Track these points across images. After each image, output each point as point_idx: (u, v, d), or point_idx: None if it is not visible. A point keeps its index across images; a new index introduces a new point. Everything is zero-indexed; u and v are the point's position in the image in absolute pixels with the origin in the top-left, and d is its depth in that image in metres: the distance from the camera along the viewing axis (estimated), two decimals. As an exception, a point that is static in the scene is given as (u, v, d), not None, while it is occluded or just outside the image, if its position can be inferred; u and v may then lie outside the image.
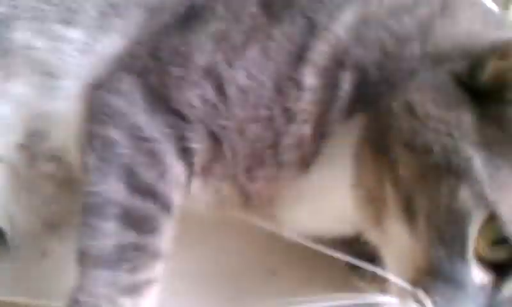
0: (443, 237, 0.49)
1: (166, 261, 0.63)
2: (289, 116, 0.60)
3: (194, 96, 0.61)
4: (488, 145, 0.50)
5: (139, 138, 0.61)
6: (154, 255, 0.61)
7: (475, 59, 0.54)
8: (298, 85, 0.60)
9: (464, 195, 0.49)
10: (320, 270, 0.69)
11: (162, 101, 0.61)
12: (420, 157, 0.52)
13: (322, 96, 0.60)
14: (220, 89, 0.61)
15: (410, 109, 0.55)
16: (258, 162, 0.62)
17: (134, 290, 0.60)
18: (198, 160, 0.63)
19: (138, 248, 0.60)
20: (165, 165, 0.61)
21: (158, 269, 0.62)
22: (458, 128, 0.52)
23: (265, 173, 0.62)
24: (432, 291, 0.50)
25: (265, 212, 0.67)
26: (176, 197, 0.62)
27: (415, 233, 0.52)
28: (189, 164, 0.63)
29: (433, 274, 0.50)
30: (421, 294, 0.51)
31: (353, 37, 0.61)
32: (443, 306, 0.50)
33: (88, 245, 0.59)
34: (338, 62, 0.60)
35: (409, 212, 0.52)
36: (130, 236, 0.60)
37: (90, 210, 0.60)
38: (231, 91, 0.61)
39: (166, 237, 0.62)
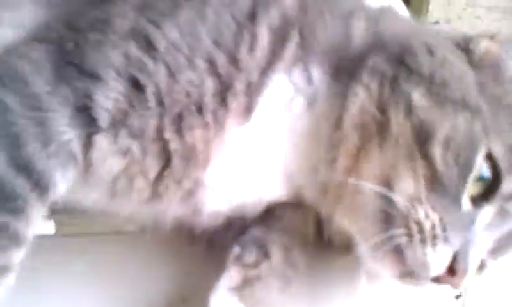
0: (457, 161, 0.59)
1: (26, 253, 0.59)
2: (238, 65, 0.63)
3: (115, 55, 0.60)
4: (487, 98, 0.63)
5: (34, 108, 0.58)
6: (13, 239, 0.57)
7: (468, 40, 0.67)
8: (250, 40, 0.64)
9: (477, 128, 0.60)
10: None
11: (73, 67, 0.60)
12: (438, 90, 0.62)
13: (271, 50, 0.65)
14: (148, 45, 0.61)
15: (430, 51, 0.65)
16: (195, 109, 0.62)
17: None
18: (107, 116, 0.60)
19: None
20: (54, 135, 0.59)
21: (15, 258, 0.58)
22: (467, 78, 0.64)
23: (203, 121, 0.62)
24: (437, 205, 0.59)
25: (190, 176, 0.64)
26: (59, 175, 0.59)
27: (428, 154, 0.60)
28: (90, 127, 0.60)
29: (437, 193, 0.59)
30: (429, 209, 0.58)
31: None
32: (448, 222, 0.58)
33: None
34: (287, 22, 0.67)
35: (420, 138, 0.60)
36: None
37: None
38: (161, 45, 0.61)
39: (31, 224, 0.58)
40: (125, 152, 0.62)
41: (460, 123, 0.60)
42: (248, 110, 0.64)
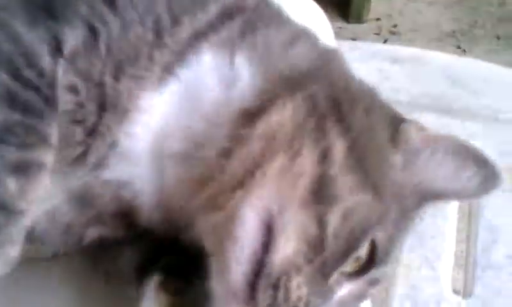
0: (348, 238, 0.57)
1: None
2: (178, 28, 0.66)
3: (82, 6, 0.65)
4: (392, 184, 0.62)
5: (19, 44, 0.63)
6: (43, 139, 0.61)
7: (399, 120, 0.66)
8: (200, 8, 0.67)
9: (375, 214, 0.59)
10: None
11: (44, 11, 0.65)
12: (360, 155, 0.60)
13: (213, 22, 0.67)
14: (110, 1, 0.66)
15: (368, 112, 0.64)
16: (133, 61, 0.65)
17: (21, 169, 0.59)
18: (68, 50, 0.64)
19: (26, 127, 0.60)
20: (43, 64, 0.63)
21: (48, 158, 0.62)
22: (385, 158, 0.63)
23: (134, 73, 0.64)
24: (309, 278, 0.56)
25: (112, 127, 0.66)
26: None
27: (323, 220, 0.56)
28: (55, 56, 0.64)
29: (312, 261, 0.56)
30: (301, 281, 0.56)
31: None
32: (312, 293, 0.56)
33: None
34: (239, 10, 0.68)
35: (320, 194, 0.57)
36: (15, 116, 0.60)
37: None
38: (120, 2, 0.65)
39: (54, 130, 0.62)
40: (73, 89, 0.64)
41: (364, 203, 0.58)
42: (168, 72, 0.64)
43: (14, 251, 0.60)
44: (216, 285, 0.58)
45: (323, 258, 0.56)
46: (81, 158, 0.65)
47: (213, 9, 0.66)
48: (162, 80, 0.64)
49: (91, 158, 0.65)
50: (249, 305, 0.56)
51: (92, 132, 0.65)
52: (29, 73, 0.63)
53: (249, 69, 0.65)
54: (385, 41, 2.48)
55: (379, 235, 0.59)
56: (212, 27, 0.66)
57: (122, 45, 0.65)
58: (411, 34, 2.55)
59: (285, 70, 0.65)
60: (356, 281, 0.60)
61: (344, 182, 0.58)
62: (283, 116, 0.61)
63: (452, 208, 0.94)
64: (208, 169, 0.62)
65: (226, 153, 0.61)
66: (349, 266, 0.59)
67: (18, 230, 0.60)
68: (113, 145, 0.65)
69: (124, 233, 0.69)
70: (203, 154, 0.63)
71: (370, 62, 1.13)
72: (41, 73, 0.63)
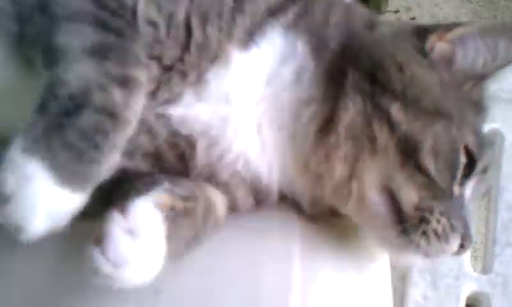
0: (446, 165, 0.71)
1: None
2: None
3: None
4: (451, 97, 0.74)
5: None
6: (137, 60, 0.67)
7: (422, 38, 0.77)
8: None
9: (454, 132, 0.71)
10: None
11: None
12: (412, 104, 0.72)
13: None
14: None
15: (400, 68, 0.73)
16: (217, 14, 0.74)
17: (124, 82, 0.65)
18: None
19: (120, 48, 0.67)
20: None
21: (143, 76, 0.68)
22: (433, 85, 0.74)
23: (221, 24, 0.73)
24: (442, 207, 0.70)
25: (198, 69, 0.74)
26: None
27: (412, 166, 0.70)
28: None
29: (436, 195, 0.71)
30: (438, 217, 0.70)
31: None
32: (452, 218, 0.71)
33: (70, 40, 0.65)
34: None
35: (408, 150, 0.71)
36: (111, 38, 0.67)
37: (69, 16, 0.67)
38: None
39: (143, 54, 0.69)
40: (153, 24, 0.71)
41: (440, 132, 0.71)
42: (250, 37, 0.74)
43: (116, 158, 0.65)
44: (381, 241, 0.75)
45: (440, 189, 0.71)
46: (153, 92, 0.72)
47: None
48: (246, 43, 0.73)
49: (164, 94, 0.73)
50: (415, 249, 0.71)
51: (168, 69, 0.72)
52: (112, 3, 0.69)
53: (308, 56, 0.76)
54: None
55: (469, 139, 0.72)
56: (281, 8, 0.76)
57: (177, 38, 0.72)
58: None
59: (334, 51, 0.77)
60: (471, 179, 0.74)
61: (414, 131, 0.71)
62: (351, 116, 0.74)
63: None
64: (306, 155, 0.77)
65: (329, 168, 0.75)
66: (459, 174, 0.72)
67: (122, 138, 0.65)
68: (198, 83, 0.73)
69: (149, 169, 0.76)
70: (297, 140, 0.77)
71: None
72: (122, 5, 0.69)
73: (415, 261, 0.78)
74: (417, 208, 0.70)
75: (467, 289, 0.84)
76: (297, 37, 0.76)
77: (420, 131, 0.71)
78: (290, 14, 0.76)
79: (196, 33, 0.72)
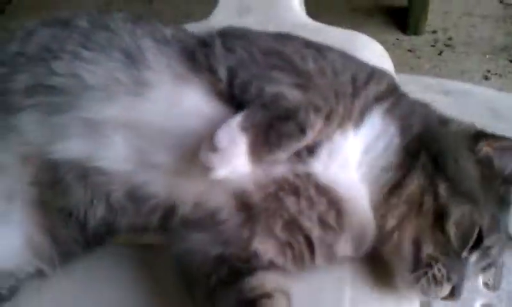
0: (463, 236, 0.90)
1: None
2: (360, 93, 0.98)
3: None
4: (482, 187, 0.94)
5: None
6: (324, 100, 0.93)
7: (474, 143, 0.97)
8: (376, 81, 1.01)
9: (476, 216, 0.91)
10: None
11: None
12: (455, 186, 0.92)
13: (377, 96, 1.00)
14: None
15: (455, 160, 0.95)
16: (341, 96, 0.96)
17: (317, 110, 0.90)
18: None
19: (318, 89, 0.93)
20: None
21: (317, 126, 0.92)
22: (473, 177, 0.95)
23: (345, 104, 0.96)
24: (445, 262, 0.89)
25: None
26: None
27: (445, 231, 0.91)
28: None
29: (447, 253, 0.90)
30: (441, 267, 0.89)
31: None
32: (451, 272, 0.90)
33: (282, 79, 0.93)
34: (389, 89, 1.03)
35: (443, 219, 0.91)
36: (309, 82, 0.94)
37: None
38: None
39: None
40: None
41: (466, 212, 0.91)
42: (362, 117, 0.96)
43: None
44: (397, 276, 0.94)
45: (452, 250, 0.90)
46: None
47: (384, 84, 0.98)
48: (358, 121, 0.96)
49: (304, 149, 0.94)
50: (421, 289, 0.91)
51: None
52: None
53: (396, 134, 0.97)
54: (440, 53, 2.59)
55: (484, 222, 0.90)
56: (383, 97, 0.97)
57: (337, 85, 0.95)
58: (465, 47, 2.61)
59: (414, 134, 0.98)
60: (478, 251, 0.91)
61: (450, 203, 0.91)
62: (414, 186, 0.94)
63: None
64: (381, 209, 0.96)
65: (384, 218, 0.95)
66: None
67: (297, 147, 0.91)
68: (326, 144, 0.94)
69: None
70: (373, 197, 0.97)
71: (425, 93, 1.35)
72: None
73: (420, 298, 0.97)
74: (429, 257, 0.90)
75: (479, 302, 1.08)
76: (391, 120, 0.97)
77: (453, 206, 0.91)
78: (388, 102, 0.98)
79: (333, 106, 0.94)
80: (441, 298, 0.92)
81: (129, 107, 0.94)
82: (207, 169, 0.84)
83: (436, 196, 0.92)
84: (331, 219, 0.93)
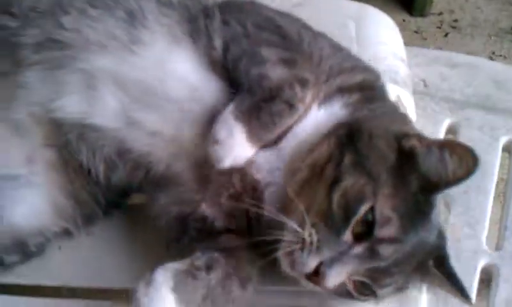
0: (349, 208, 0.84)
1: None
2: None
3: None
4: (396, 178, 0.86)
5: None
6: (310, 69, 0.96)
7: (403, 136, 0.90)
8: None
9: (368, 190, 0.84)
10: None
11: None
12: (361, 160, 0.87)
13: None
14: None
15: (370, 137, 0.90)
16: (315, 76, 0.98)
17: (303, 83, 0.94)
18: None
19: (301, 61, 0.97)
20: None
21: (313, 80, 0.97)
22: (386, 160, 0.87)
23: (315, 82, 0.97)
24: (321, 231, 0.84)
25: None
26: None
27: (330, 197, 0.85)
28: None
29: (327, 224, 0.84)
30: (314, 233, 0.84)
31: None
32: (324, 245, 0.83)
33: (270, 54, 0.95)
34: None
35: (333, 185, 0.86)
36: (296, 56, 0.97)
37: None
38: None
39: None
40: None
41: (358, 183, 0.85)
42: (325, 99, 0.97)
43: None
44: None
45: (332, 220, 0.84)
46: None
47: (358, 79, 0.99)
48: (320, 105, 0.96)
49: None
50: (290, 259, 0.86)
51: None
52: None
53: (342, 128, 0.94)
54: (446, 35, 2.64)
55: (378, 205, 0.83)
56: (348, 90, 0.98)
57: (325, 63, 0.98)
58: (471, 29, 2.66)
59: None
60: (366, 242, 0.84)
61: (345, 173, 0.86)
62: (322, 151, 0.91)
63: (490, 188, 1.23)
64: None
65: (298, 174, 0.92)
66: (359, 228, 0.84)
67: (291, 121, 0.94)
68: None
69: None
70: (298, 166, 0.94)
71: (432, 66, 1.41)
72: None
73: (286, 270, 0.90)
74: (311, 225, 0.84)
75: (482, 262, 1.12)
76: (346, 114, 0.96)
77: (348, 174, 0.85)
78: (352, 98, 0.97)
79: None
80: (304, 274, 0.85)
81: (120, 61, 1.00)
82: (214, 161, 0.91)
83: (338, 164, 0.87)
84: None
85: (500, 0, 2.79)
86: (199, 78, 0.99)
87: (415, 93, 1.26)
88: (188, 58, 1.00)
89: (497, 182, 1.24)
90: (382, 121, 0.94)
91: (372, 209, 0.83)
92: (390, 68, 1.24)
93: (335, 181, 0.86)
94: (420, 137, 0.89)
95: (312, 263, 0.83)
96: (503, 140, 1.30)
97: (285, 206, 0.91)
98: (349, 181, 0.85)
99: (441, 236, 0.92)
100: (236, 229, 1.00)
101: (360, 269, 0.85)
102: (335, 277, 0.83)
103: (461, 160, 0.83)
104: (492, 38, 2.64)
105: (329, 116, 0.95)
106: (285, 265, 0.87)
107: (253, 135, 0.91)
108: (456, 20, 2.72)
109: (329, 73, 0.98)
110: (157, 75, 0.99)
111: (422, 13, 2.71)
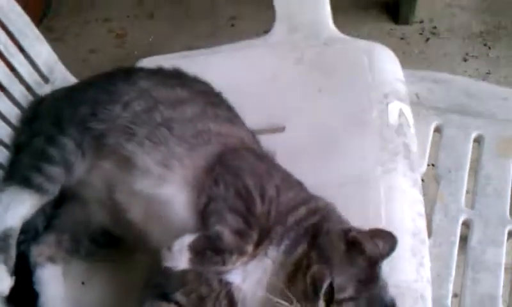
0: (317, 284, 1.09)
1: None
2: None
3: None
4: (341, 261, 1.13)
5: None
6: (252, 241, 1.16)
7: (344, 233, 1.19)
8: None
9: (327, 272, 1.09)
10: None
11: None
12: (322, 253, 1.14)
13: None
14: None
15: (327, 235, 1.18)
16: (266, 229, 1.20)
17: (242, 253, 1.14)
18: None
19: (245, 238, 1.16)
20: None
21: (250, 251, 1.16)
22: (337, 251, 1.16)
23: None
24: (305, 304, 1.09)
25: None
26: None
27: (305, 280, 1.10)
28: None
29: (305, 298, 1.09)
30: (298, 304, 1.09)
31: None
32: None
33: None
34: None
35: (306, 270, 1.11)
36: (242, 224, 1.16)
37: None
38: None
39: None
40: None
41: (320, 268, 1.10)
42: (279, 240, 1.19)
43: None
44: None
45: (308, 295, 1.10)
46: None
47: (301, 213, 1.22)
48: (279, 242, 1.17)
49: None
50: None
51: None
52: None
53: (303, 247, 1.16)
54: (427, 40, 3.01)
55: (335, 279, 1.08)
56: (292, 228, 1.18)
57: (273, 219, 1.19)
58: (448, 33, 3.03)
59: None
60: (334, 303, 1.08)
61: (313, 263, 1.12)
62: (300, 252, 1.16)
63: (466, 167, 1.80)
64: None
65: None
66: (326, 296, 1.08)
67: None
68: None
69: None
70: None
71: (422, 83, 1.92)
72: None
73: None
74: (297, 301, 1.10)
75: (462, 218, 1.64)
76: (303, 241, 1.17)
77: (314, 263, 1.12)
78: (307, 222, 1.20)
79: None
80: None
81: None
82: (161, 259, 1.13)
83: (308, 257, 1.12)
84: None
85: (473, 9, 3.13)
86: (179, 218, 1.24)
87: (411, 104, 1.68)
88: (183, 202, 1.25)
89: (471, 162, 1.79)
90: (331, 223, 1.21)
91: (331, 283, 1.08)
92: (394, 88, 1.66)
93: (307, 268, 1.10)
94: (358, 231, 1.16)
95: None
96: (474, 134, 1.85)
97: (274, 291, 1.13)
98: (315, 267, 1.09)
99: (393, 303, 1.16)
100: None
101: None
102: None
103: (386, 241, 1.13)
104: (466, 40, 3.01)
105: (292, 241, 1.19)
106: None
107: (194, 262, 1.12)
108: (435, 27, 3.09)
109: (283, 218, 1.20)
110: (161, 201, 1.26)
111: (405, 22, 3.08)
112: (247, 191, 1.20)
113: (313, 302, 1.08)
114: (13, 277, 1.28)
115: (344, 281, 1.08)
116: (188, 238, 1.12)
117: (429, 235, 1.59)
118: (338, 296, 1.07)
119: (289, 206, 1.21)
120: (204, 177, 1.24)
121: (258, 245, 1.16)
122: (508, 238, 1.65)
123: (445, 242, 1.63)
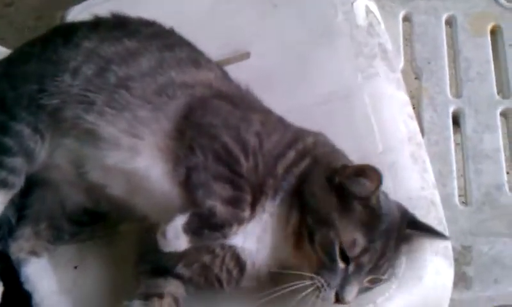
0: (328, 252, 1.06)
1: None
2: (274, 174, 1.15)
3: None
4: (339, 213, 1.09)
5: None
6: (248, 206, 1.12)
7: (334, 173, 1.11)
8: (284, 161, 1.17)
9: (332, 235, 1.06)
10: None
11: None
12: (316, 216, 1.10)
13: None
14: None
15: (313, 195, 1.12)
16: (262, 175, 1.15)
17: (240, 221, 1.10)
18: None
19: (240, 202, 1.11)
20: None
21: (247, 213, 1.12)
22: (329, 204, 1.10)
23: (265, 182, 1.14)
24: (323, 274, 1.06)
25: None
26: None
27: (314, 250, 1.08)
28: None
29: (323, 268, 1.07)
30: (320, 278, 1.06)
31: None
32: (330, 280, 1.06)
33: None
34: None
35: (312, 242, 1.08)
36: (230, 191, 1.11)
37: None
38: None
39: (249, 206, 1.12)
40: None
41: (324, 234, 1.06)
42: (274, 193, 1.14)
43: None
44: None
45: (324, 264, 1.08)
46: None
47: (297, 150, 1.17)
48: (274, 195, 1.13)
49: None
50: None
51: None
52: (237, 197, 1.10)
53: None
54: None
55: (343, 238, 1.06)
56: (283, 178, 1.14)
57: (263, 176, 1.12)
58: None
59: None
60: (352, 261, 1.07)
61: (315, 230, 1.09)
62: (294, 221, 1.12)
63: (444, 55, 1.74)
64: None
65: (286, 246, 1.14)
66: (341, 255, 1.07)
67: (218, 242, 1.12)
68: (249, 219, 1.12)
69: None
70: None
71: None
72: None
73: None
74: (314, 275, 1.06)
75: (451, 108, 1.62)
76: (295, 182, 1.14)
77: (316, 231, 1.07)
78: (297, 169, 1.15)
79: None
80: (332, 303, 1.07)
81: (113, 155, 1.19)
82: (159, 246, 1.09)
83: (306, 226, 1.09)
84: (235, 272, 1.16)
85: None
86: (161, 191, 1.16)
87: (375, -1, 1.60)
88: (161, 172, 1.17)
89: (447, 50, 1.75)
90: (314, 176, 1.14)
91: (341, 243, 1.06)
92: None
93: (311, 238, 1.08)
94: (340, 170, 1.10)
95: (332, 296, 1.07)
96: (444, 16, 1.81)
97: (285, 266, 1.13)
98: (318, 235, 1.07)
99: (401, 207, 1.16)
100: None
101: (361, 277, 1.08)
102: (350, 293, 1.07)
103: (371, 178, 1.07)
104: None
105: (286, 193, 1.14)
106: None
107: (193, 241, 1.08)
108: None
109: (272, 169, 1.14)
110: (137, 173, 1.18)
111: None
112: (227, 151, 1.12)
113: (333, 267, 1.06)
114: (1, 283, 1.25)
115: (350, 236, 1.06)
116: (180, 220, 1.07)
117: (422, 134, 1.52)
118: (352, 253, 1.06)
119: (276, 154, 1.15)
120: (176, 144, 1.16)
121: (253, 204, 1.11)
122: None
123: (440, 139, 1.59)
